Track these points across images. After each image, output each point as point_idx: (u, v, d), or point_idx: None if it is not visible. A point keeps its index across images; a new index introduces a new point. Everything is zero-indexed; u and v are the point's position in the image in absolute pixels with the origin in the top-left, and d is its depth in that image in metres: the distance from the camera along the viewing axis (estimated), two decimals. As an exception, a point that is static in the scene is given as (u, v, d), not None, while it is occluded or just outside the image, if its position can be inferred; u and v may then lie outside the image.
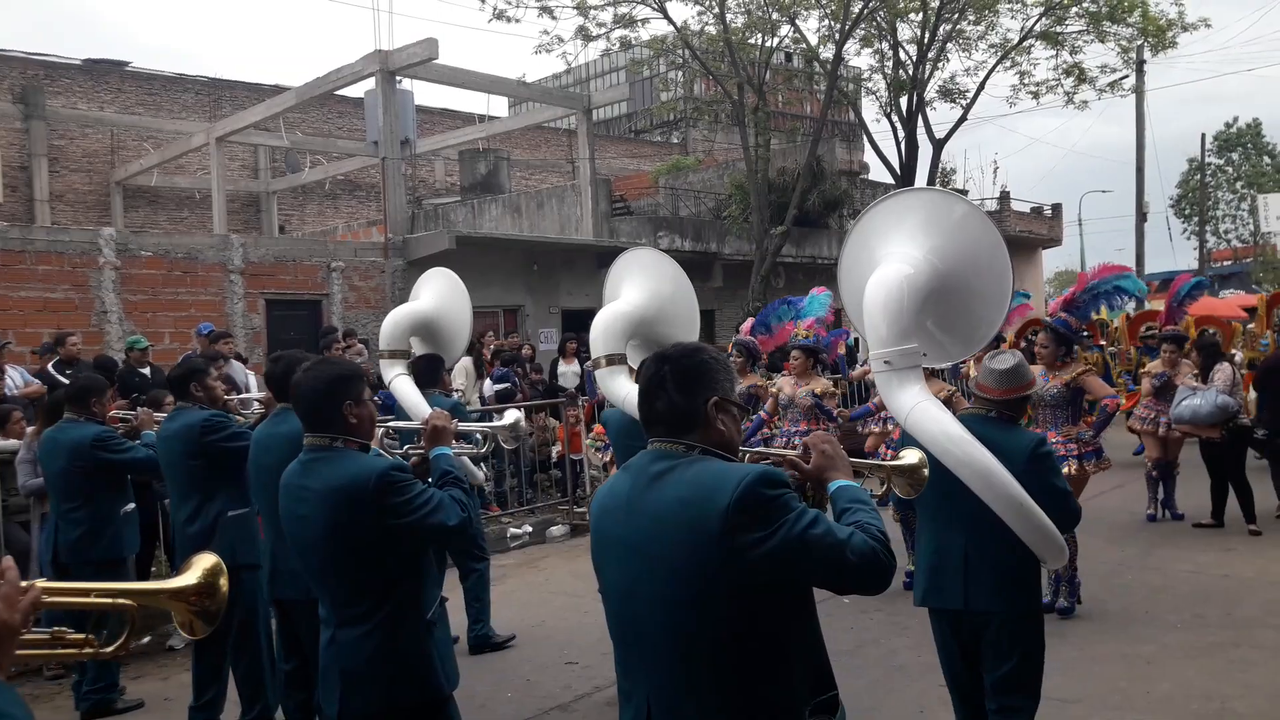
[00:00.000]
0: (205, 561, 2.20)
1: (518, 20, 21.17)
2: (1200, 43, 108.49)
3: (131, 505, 5.49)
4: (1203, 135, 42.51)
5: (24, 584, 1.59)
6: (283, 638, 4.40)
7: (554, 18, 20.06)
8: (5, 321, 11.94)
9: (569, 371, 12.72)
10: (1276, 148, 52.84)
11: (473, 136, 25.61)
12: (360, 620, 2.99)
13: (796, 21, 20.97)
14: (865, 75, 24.60)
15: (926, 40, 20.70)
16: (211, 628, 2.15)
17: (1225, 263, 46.10)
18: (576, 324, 15.87)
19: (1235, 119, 52.98)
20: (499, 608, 6.97)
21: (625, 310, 5.14)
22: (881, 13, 20.50)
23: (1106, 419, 6.89)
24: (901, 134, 21.52)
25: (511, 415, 4.22)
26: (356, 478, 2.95)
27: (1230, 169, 53.28)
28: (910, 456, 2.69)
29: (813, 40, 21.87)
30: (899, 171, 21.70)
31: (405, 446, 3.48)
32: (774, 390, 8.00)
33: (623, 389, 4.90)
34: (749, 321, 9.79)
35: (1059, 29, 21.11)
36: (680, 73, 24.84)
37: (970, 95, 22.05)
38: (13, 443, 6.81)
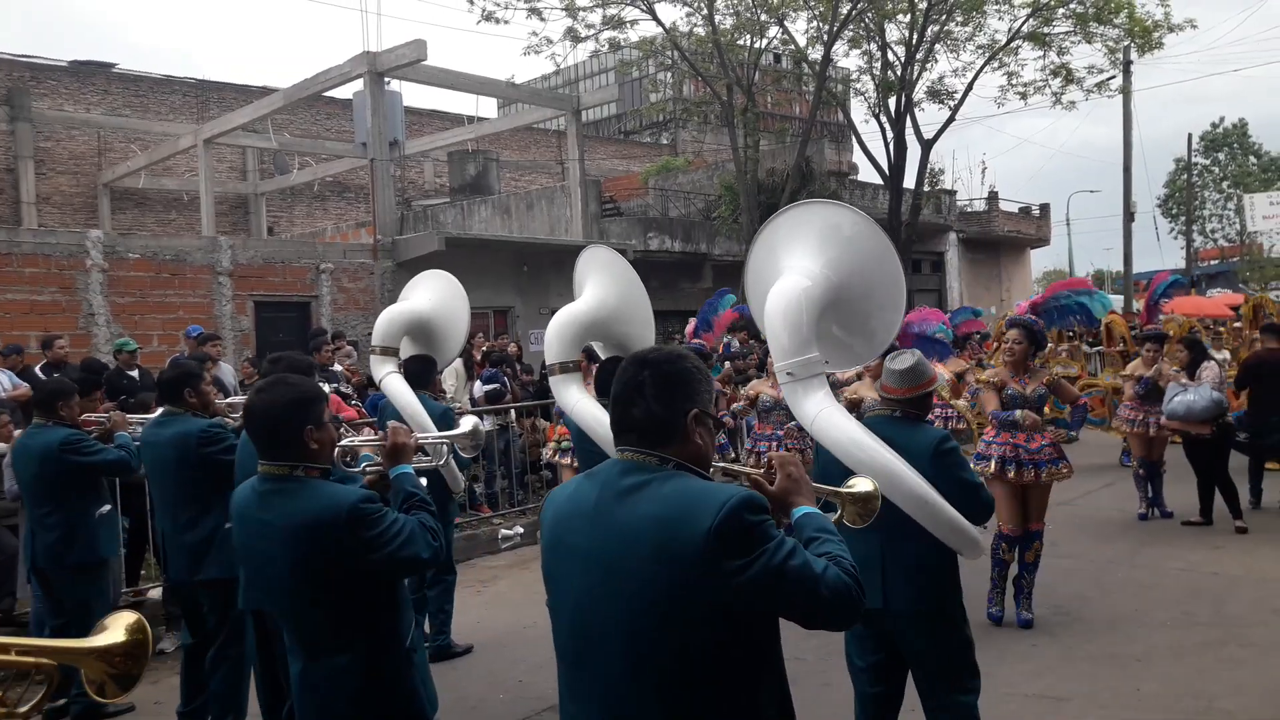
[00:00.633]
0: (126, 620, 2.08)
1: (506, 22, 21.25)
2: (1186, 43, 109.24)
3: (108, 507, 5.41)
4: (1189, 135, 42.80)
5: None
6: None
7: (543, 19, 20.11)
8: (-8, 324, 11.88)
9: (559, 373, 12.69)
10: (1262, 147, 53.19)
11: (462, 138, 25.58)
12: (331, 653, 2.80)
13: (785, 23, 21.04)
14: (854, 76, 24.67)
15: (914, 41, 20.77)
16: (125, 692, 2.03)
17: (1212, 262, 46.38)
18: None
19: (1221, 119, 53.34)
20: (492, 609, 6.96)
21: (578, 312, 5.07)
22: (870, 14, 20.56)
23: (1083, 416, 6.95)
24: (890, 135, 21.59)
25: (469, 422, 4.03)
26: (324, 512, 2.74)
27: (1217, 169, 53.59)
28: (865, 485, 2.65)
29: (801, 41, 21.94)
30: (888, 172, 21.77)
31: (363, 465, 3.24)
32: (751, 394, 7.83)
33: (573, 397, 4.85)
34: (691, 323, 9.66)
35: (1046, 30, 21.21)
36: (669, 74, 24.85)
37: (958, 96, 22.16)
38: (1, 446, 6.78)
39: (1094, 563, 7.50)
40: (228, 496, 4.61)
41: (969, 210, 32.22)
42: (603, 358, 5.37)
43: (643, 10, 20.02)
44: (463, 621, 6.48)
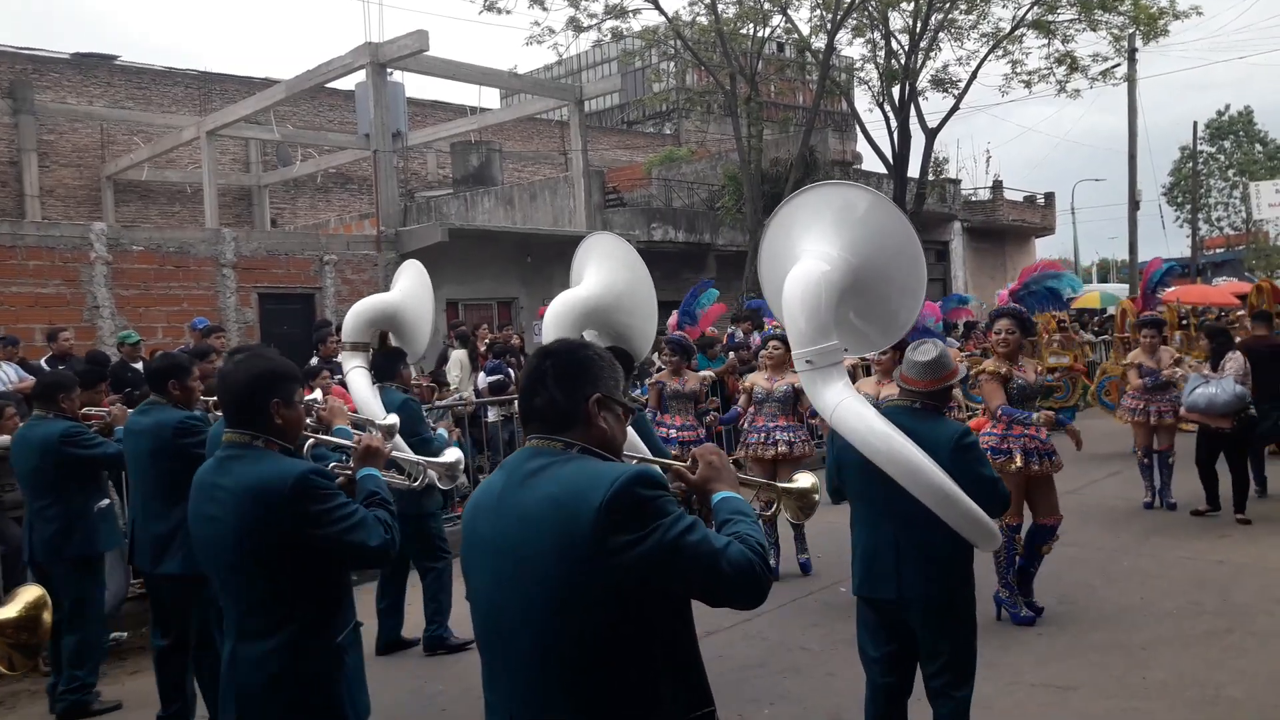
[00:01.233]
0: (29, 594, 2.10)
1: (509, 11, 21.18)
2: (1191, 31, 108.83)
3: (107, 501, 5.39)
4: (1195, 123, 42.55)
5: None
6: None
7: (545, 9, 19.97)
8: (-4, 317, 11.90)
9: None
10: (1268, 135, 52.98)
11: (464, 129, 25.56)
12: (261, 636, 2.74)
13: (788, 11, 20.94)
14: (857, 65, 24.58)
15: (918, 30, 20.67)
16: (31, 662, 2.04)
17: (1218, 250, 46.24)
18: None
19: (1227, 107, 53.23)
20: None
21: (580, 297, 4.99)
22: (873, 2, 20.47)
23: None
24: (894, 124, 21.51)
25: (452, 454, 3.91)
26: (273, 478, 2.71)
27: (1222, 157, 53.40)
28: (803, 480, 2.63)
29: (805, 30, 21.85)
30: (892, 161, 21.70)
31: (331, 465, 3.18)
32: (746, 385, 7.73)
33: None
34: (674, 316, 9.58)
35: (1051, 18, 21.11)
36: (672, 63, 24.77)
37: (962, 84, 22.06)
38: (5, 438, 6.79)
39: (1100, 551, 7.49)
40: None
41: (973, 199, 32.12)
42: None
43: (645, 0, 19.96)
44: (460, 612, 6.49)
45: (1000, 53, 21.74)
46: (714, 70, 21.18)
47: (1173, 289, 14.83)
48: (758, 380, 7.62)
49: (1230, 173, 52.89)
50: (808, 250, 3.81)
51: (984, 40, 21.82)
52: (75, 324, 12.50)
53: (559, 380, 2.16)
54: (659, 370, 8.81)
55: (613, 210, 21.88)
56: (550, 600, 2.00)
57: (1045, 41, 21.64)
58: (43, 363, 9.38)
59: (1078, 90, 22.23)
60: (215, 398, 5.47)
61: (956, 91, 22.09)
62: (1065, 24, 21.38)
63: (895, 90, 21.51)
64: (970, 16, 21.53)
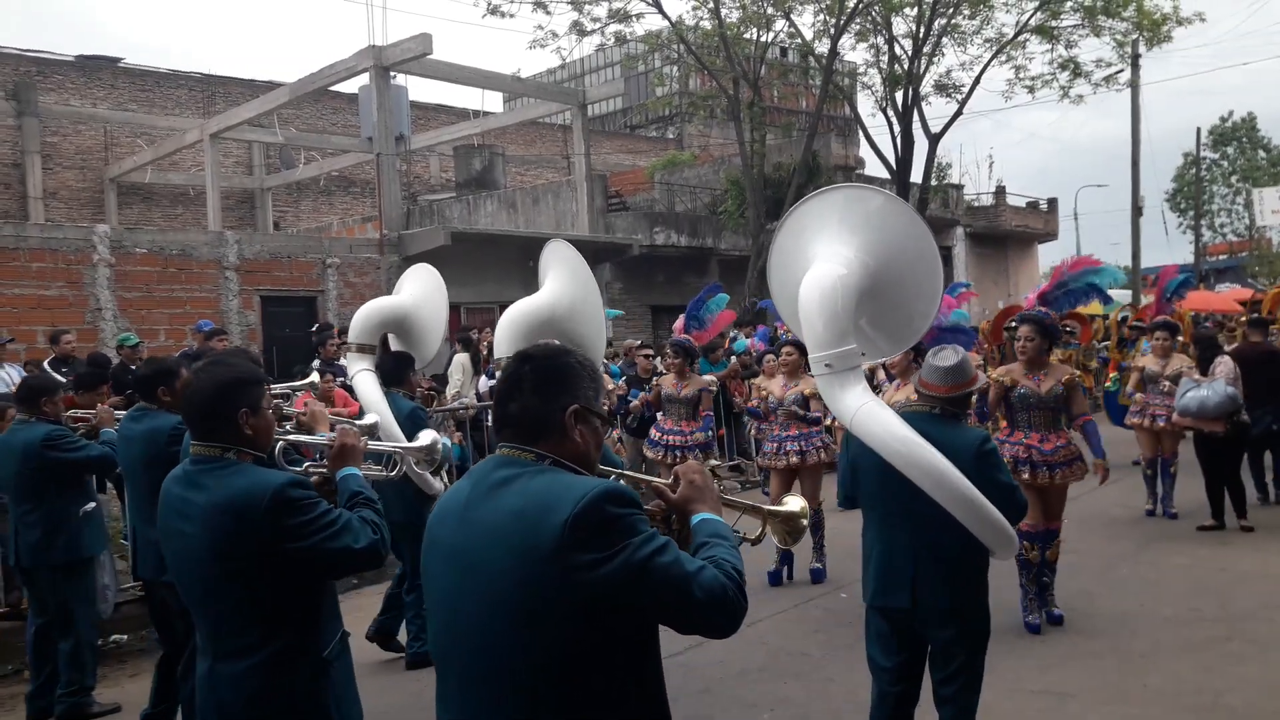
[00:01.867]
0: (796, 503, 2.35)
1: (512, 15, 21.19)
2: (1195, 37, 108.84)
3: (93, 505, 5.32)
4: (1198, 129, 42.40)
5: None
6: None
7: (548, 13, 20.01)
8: (0, 319, 11.91)
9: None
10: (1271, 141, 52.93)
11: (467, 132, 25.59)
12: (244, 654, 2.62)
13: (791, 16, 20.96)
14: (860, 70, 24.60)
15: (922, 35, 20.68)
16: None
17: (1221, 257, 46.17)
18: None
19: (1230, 113, 53.07)
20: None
21: (532, 307, 4.98)
22: (876, 7, 20.48)
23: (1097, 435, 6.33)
24: (897, 128, 21.51)
25: (428, 436, 3.82)
26: (249, 493, 2.60)
27: (1225, 163, 53.35)
28: (791, 504, 2.56)
29: (808, 35, 21.88)
30: (894, 166, 21.70)
31: (305, 465, 3.08)
32: (762, 392, 7.70)
33: None
34: (681, 319, 9.55)
35: (1054, 23, 21.13)
36: (675, 68, 24.78)
37: (965, 90, 22.06)
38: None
39: (1100, 558, 7.48)
40: None
41: (976, 205, 32.12)
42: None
43: (648, 4, 19.97)
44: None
45: (1004, 58, 21.76)
46: (717, 74, 21.20)
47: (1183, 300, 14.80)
48: (772, 387, 7.55)
49: (1233, 179, 52.85)
50: (822, 254, 3.78)
51: (987, 45, 21.85)
52: (78, 326, 12.53)
53: (536, 386, 2.08)
54: (659, 374, 8.83)
55: (615, 214, 21.89)
56: (509, 616, 1.93)
57: (1049, 47, 21.67)
58: (45, 365, 9.39)
59: (1081, 96, 22.26)
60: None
61: (960, 96, 22.12)
62: (1069, 29, 21.41)
63: (898, 95, 21.52)
64: (974, 22, 21.55)
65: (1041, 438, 6.02)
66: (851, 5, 19.76)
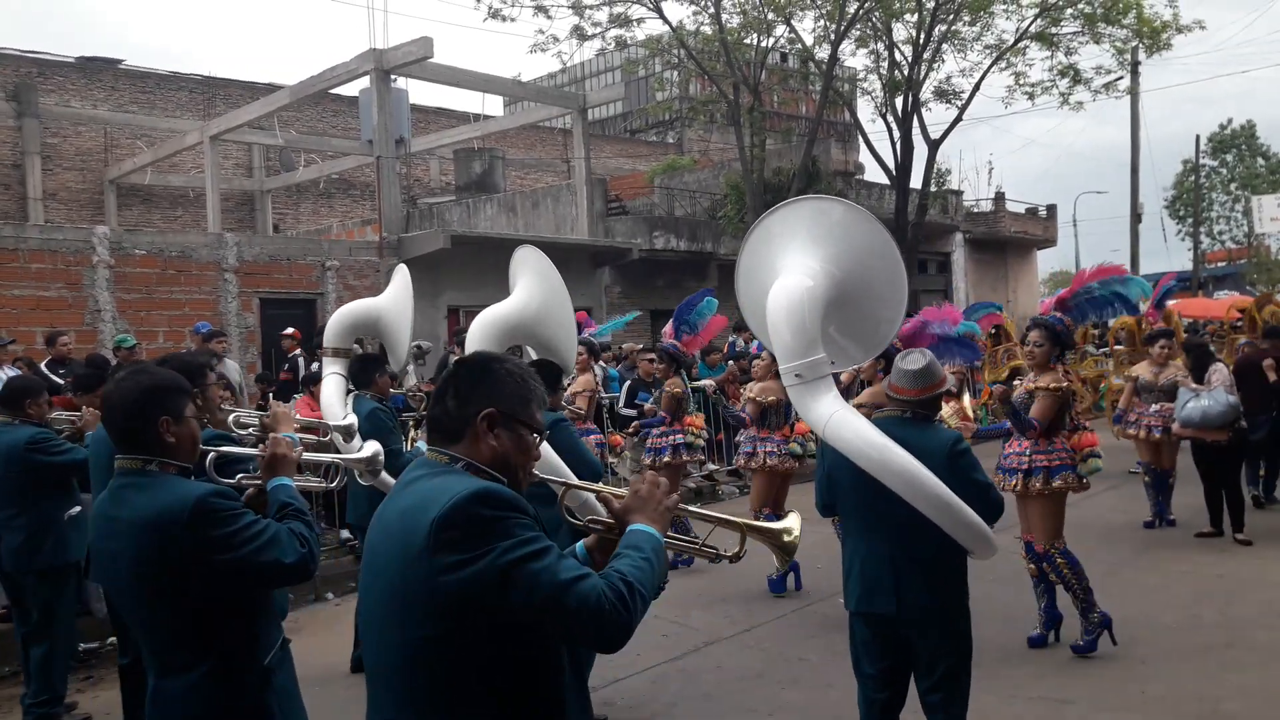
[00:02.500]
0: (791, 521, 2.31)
1: (513, 19, 21.21)
2: (1194, 44, 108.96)
3: (78, 509, 5.19)
4: (1197, 137, 42.50)
5: None
6: None
7: (549, 17, 20.06)
8: (-2, 320, 11.90)
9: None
10: (1270, 149, 52.97)
11: (467, 135, 25.60)
12: (183, 670, 2.55)
13: (792, 22, 20.99)
14: (860, 75, 24.62)
15: (922, 41, 20.71)
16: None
17: (1220, 264, 46.26)
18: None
19: (1229, 120, 53.23)
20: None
21: (503, 313, 4.96)
22: (877, 13, 20.51)
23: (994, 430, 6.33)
24: (897, 134, 21.53)
25: (371, 447, 3.70)
26: (169, 506, 2.50)
27: (1225, 170, 53.38)
28: (786, 521, 2.45)
29: (808, 40, 21.91)
30: (894, 172, 21.72)
31: (238, 476, 2.97)
32: (750, 395, 7.67)
33: None
34: (669, 324, 9.55)
35: (1054, 30, 21.15)
36: (675, 72, 24.84)
37: (965, 96, 22.08)
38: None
39: (1100, 565, 7.45)
40: None
41: (975, 211, 32.12)
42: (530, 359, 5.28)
43: (649, 8, 20.01)
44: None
45: (1003, 64, 21.78)
46: (717, 79, 21.23)
47: (1174, 301, 14.80)
48: (769, 391, 7.56)
49: (1232, 186, 52.87)
50: (788, 266, 3.82)
51: (987, 52, 21.87)
52: (77, 328, 12.52)
53: (458, 390, 2.10)
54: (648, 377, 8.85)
55: (615, 218, 21.90)
56: (386, 610, 1.95)
57: (1048, 54, 21.68)
58: (43, 366, 9.38)
59: (1080, 103, 22.26)
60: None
61: (959, 103, 22.14)
62: (1068, 36, 21.43)
63: (898, 101, 21.55)
64: (974, 28, 21.58)
65: (1032, 445, 5.84)
66: (852, 11, 19.80)
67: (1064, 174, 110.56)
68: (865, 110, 23.83)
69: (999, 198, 32.77)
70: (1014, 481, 5.80)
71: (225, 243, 14.90)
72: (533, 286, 5.11)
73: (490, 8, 19.64)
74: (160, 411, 2.64)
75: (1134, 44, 22.25)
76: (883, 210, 23.69)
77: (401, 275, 6.10)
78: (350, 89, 20.77)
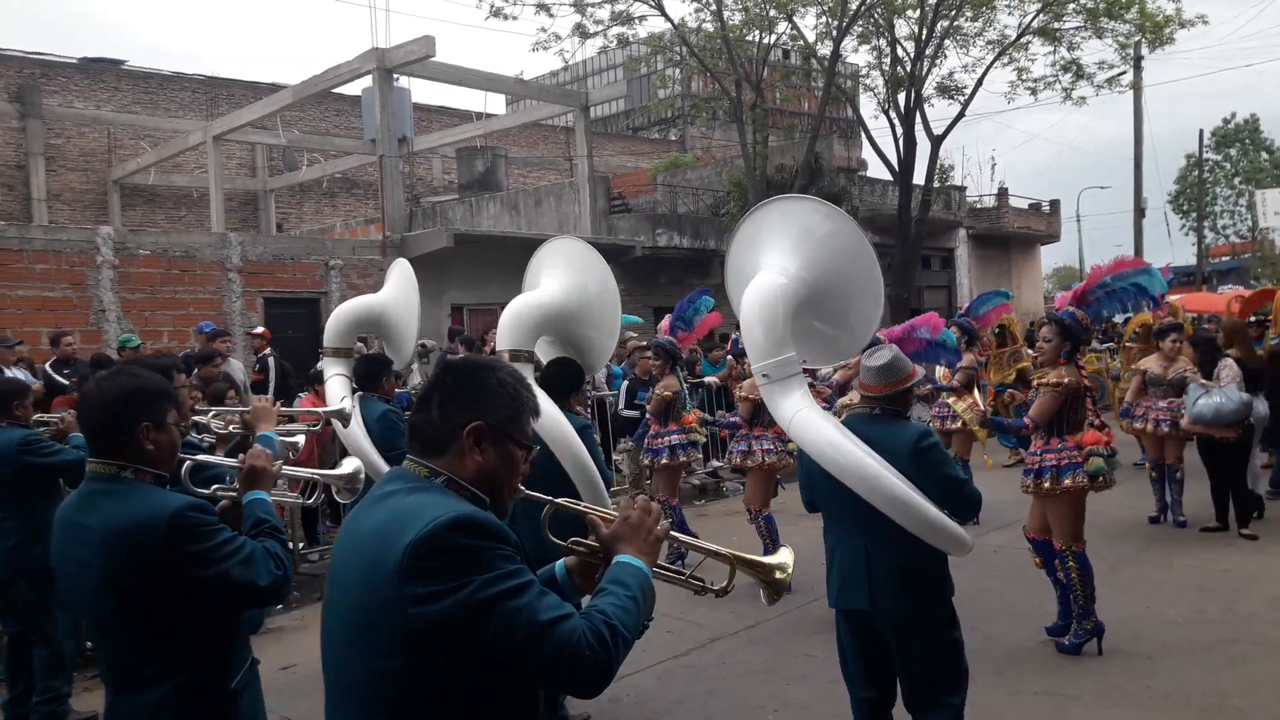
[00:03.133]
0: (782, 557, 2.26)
1: (515, 18, 21.30)
2: (1198, 39, 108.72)
3: None
4: (1200, 131, 42.45)
5: None
6: None
7: (551, 15, 20.07)
8: (3, 321, 11.92)
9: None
10: (1274, 143, 52.91)
11: (470, 134, 25.62)
12: (145, 688, 2.42)
13: (794, 18, 20.98)
14: (863, 72, 24.62)
15: (924, 37, 20.70)
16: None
17: (1223, 258, 46.12)
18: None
19: (1233, 115, 53.06)
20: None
21: (542, 301, 4.81)
22: (879, 9, 20.50)
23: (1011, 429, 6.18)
24: (899, 130, 21.52)
25: (350, 465, 3.55)
26: (145, 517, 2.38)
27: (1228, 165, 53.32)
28: (777, 556, 2.32)
29: (810, 37, 21.92)
30: (897, 168, 21.71)
31: (214, 487, 2.87)
32: (743, 393, 7.65)
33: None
34: (666, 319, 9.53)
35: (1057, 25, 21.13)
36: (678, 70, 24.82)
37: (968, 91, 22.08)
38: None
39: (1104, 560, 7.45)
40: None
41: (979, 206, 32.09)
42: (548, 357, 5.17)
43: (651, 6, 20.02)
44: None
45: (1006, 60, 21.77)
46: (719, 76, 21.23)
47: (1177, 296, 14.75)
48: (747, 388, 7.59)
49: (1236, 180, 52.82)
50: (767, 264, 3.87)
51: (990, 47, 21.86)
52: (81, 328, 12.54)
53: (443, 400, 1.95)
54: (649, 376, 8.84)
55: (618, 216, 21.90)
56: (349, 635, 1.84)
57: (1051, 49, 21.68)
58: (47, 367, 9.40)
59: (1083, 98, 22.27)
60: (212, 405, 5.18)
61: (962, 98, 22.14)
62: (1071, 31, 21.41)
63: (901, 97, 21.54)
64: (976, 24, 21.57)
65: (1044, 444, 5.79)
66: (854, 7, 19.78)
67: (1067, 169, 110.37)
68: (868, 106, 23.87)
69: (1002, 193, 32.75)
70: (1028, 482, 5.74)
71: (229, 242, 14.92)
72: (577, 280, 4.94)
73: (492, 6, 19.69)
74: (141, 417, 2.53)
75: (1137, 39, 22.22)
76: (886, 207, 23.69)
77: (401, 269, 5.96)
78: (353, 88, 20.78)
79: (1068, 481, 5.62)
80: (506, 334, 4.72)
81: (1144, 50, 23.71)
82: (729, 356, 12.28)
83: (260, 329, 12.45)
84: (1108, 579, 7.01)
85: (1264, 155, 53.02)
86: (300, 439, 3.99)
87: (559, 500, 2.17)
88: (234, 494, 2.84)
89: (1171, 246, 63.96)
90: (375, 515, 1.86)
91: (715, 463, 11.68)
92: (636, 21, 20.81)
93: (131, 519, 2.40)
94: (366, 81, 17.83)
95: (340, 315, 5.91)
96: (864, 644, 3.81)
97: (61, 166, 24.46)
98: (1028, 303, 30.59)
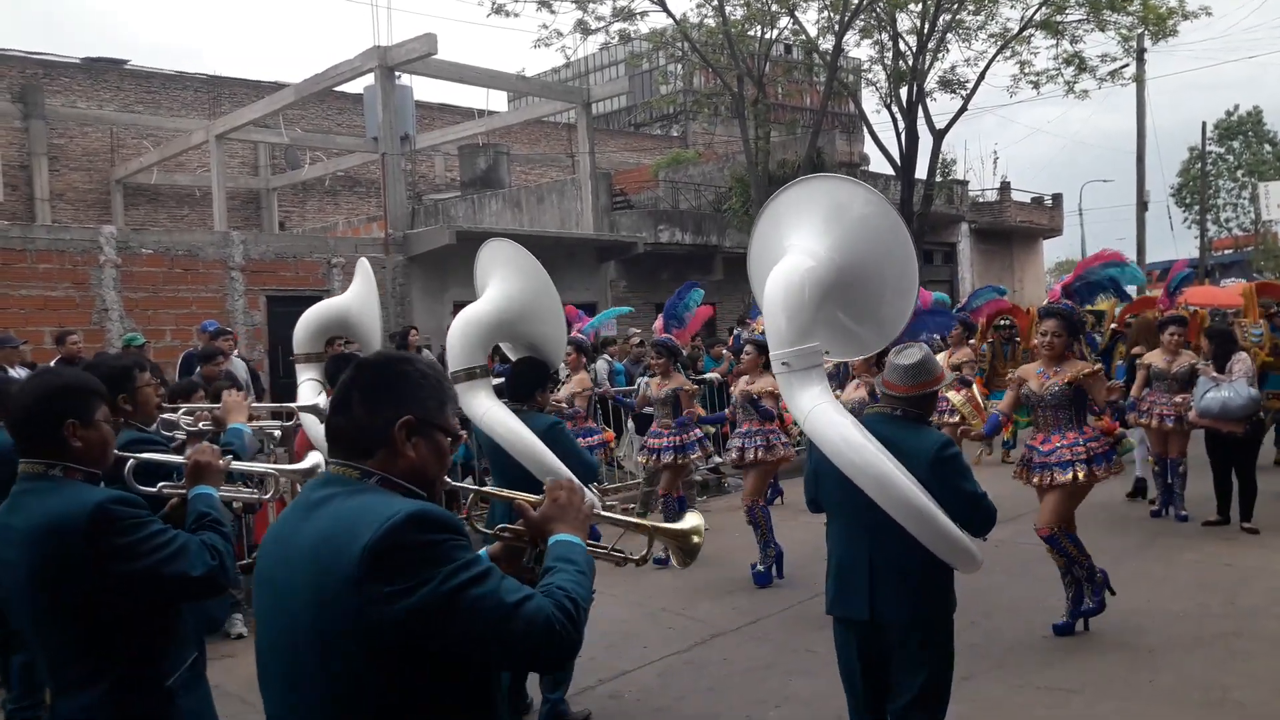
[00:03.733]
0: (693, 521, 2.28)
1: (516, 14, 21.28)
2: (1200, 31, 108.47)
3: None
4: (1203, 124, 42.41)
5: None
6: None
7: (553, 11, 20.01)
8: (6, 320, 11.94)
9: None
10: (1277, 136, 52.72)
11: (472, 132, 25.62)
12: (80, 687, 2.41)
13: (795, 13, 20.94)
14: (865, 66, 24.55)
15: (926, 31, 20.65)
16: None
17: (1226, 251, 45.99)
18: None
19: (1236, 107, 52.89)
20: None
21: (481, 314, 4.80)
22: (881, 3, 20.46)
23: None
24: (902, 125, 21.47)
25: (312, 459, 3.50)
26: (67, 512, 2.35)
27: (1231, 157, 53.16)
28: (687, 521, 2.35)
29: (812, 32, 21.86)
30: (899, 162, 21.67)
31: (160, 485, 2.86)
32: (740, 389, 7.64)
33: (482, 406, 4.58)
34: (659, 319, 9.51)
35: (1059, 18, 21.05)
36: (679, 66, 24.77)
37: (970, 85, 22.00)
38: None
39: (1106, 554, 7.43)
40: None
41: (981, 200, 32.08)
42: (513, 359, 5.20)
43: (653, 2, 19.98)
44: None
45: (1008, 53, 21.69)
46: (721, 72, 21.20)
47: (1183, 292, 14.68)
48: (741, 384, 7.60)
49: (1239, 173, 52.66)
50: (794, 246, 3.66)
51: (992, 41, 21.78)
52: (84, 327, 12.55)
53: (365, 397, 1.91)
54: (649, 374, 8.85)
55: (620, 213, 21.90)
56: (302, 649, 1.78)
57: (1054, 42, 21.57)
58: (52, 366, 9.42)
59: (1086, 91, 22.17)
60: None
61: (964, 92, 22.06)
62: (1074, 24, 21.32)
63: (903, 91, 21.49)
64: (978, 17, 21.49)
65: (1044, 438, 5.82)
66: (855, 2, 19.74)
67: (1069, 163, 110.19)
68: (870, 101, 23.76)
69: (1004, 187, 32.74)
70: (1065, 478, 5.67)
71: (231, 241, 14.94)
72: (512, 282, 4.92)
73: (494, 3, 19.63)
74: (67, 414, 2.52)
75: (1139, 31, 22.13)
76: (888, 201, 23.65)
77: (363, 270, 5.94)
78: (355, 86, 20.79)
79: (1100, 472, 5.65)
80: (455, 355, 4.68)
81: (1147, 43, 23.64)
82: (724, 350, 12.33)
83: (217, 326, 12.28)
84: (1110, 572, 7.01)
85: (1267, 148, 52.85)
86: (278, 432, 4.04)
87: (486, 490, 2.19)
88: (182, 491, 2.81)
89: (1174, 239, 63.62)
90: (313, 524, 1.81)
91: (717, 459, 11.69)
92: (638, 17, 20.77)
93: (53, 515, 2.38)
94: (368, 79, 17.82)
95: (306, 321, 5.83)
96: (861, 649, 3.70)
97: (64, 166, 24.49)
98: (1031, 297, 30.55)
